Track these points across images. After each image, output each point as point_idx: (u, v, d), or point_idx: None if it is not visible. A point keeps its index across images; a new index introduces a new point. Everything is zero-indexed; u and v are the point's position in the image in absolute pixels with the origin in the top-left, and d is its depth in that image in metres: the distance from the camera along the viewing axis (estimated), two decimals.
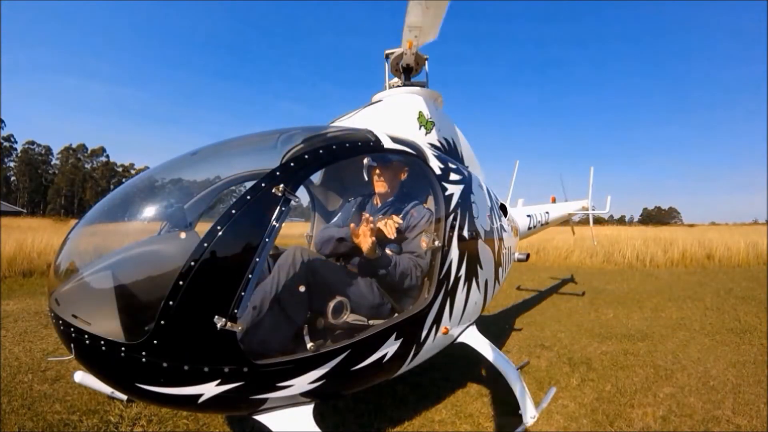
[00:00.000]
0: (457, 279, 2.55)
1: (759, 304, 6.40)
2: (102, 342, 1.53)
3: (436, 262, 2.33)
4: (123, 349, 1.50)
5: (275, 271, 1.97)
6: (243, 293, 1.57)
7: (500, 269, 3.47)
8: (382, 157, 2.50)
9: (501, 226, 3.55)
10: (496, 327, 5.22)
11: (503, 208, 3.99)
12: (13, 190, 66.72)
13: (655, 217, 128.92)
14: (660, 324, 5.40)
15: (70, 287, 1.77)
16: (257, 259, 1.59)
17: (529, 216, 5.60)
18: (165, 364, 1.50)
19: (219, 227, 1.62)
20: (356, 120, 2.88)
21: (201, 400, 1.60)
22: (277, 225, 1.63)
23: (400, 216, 2.40)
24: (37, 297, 6.57)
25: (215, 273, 1.51)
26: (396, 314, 2.22)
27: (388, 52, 3.24)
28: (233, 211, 1.63)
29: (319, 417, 1.91)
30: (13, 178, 67.82)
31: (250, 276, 1.59)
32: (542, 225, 6.10)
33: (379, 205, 2.61)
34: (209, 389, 1.58)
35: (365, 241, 2.06)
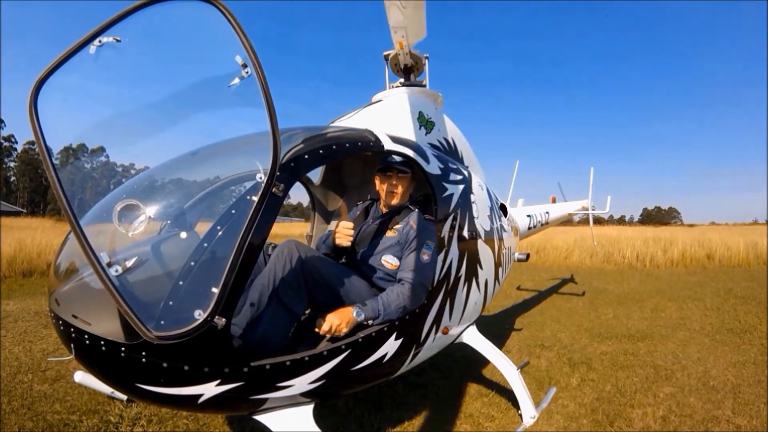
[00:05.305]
0: (457, 279, 2.55)
1: (759, 304, 6.40)
2: (102, 342, 1.53)
3: (437, 266, 2.32)
4: (123, 349, 1.50)
5: (271, 264, 1.97)
6: (243, 292, 1.57)
7: (500, 269, 3.47)
8: (398, 168, 2.40)
9: (501, 226, 3.55)
10: (496, 327, 5.22)
11: (503, 208, 3.99)
12: (13, 190, 66.68)
13: (655, 217, 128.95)
14: (660, 324, 5.41)
15: (70, 287, 1.77)
16: (257, 259, 1.59)
17: (529, 216, 5.60)
18: (165, 364, 1.51)
19: (219, 227, 1.62)
20: (356, 120, 2.88)
21: (201, 400, 1.60)
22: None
23: (399, 225, 2.37)
24: (37, 297, 6.57)
25: (215, 273, 1.50)
26: None
27: (386, 53, 3.24)
28: (233, 211, 1.63)
29: (319, 417, 1.91)
30: (13, 178, 67.78)
31: (250, 275, 1.59)
32: (542, 225, 6.11)
33: (384, 211, 2.53)
34: (209, 389, 1.58)
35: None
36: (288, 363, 1.72)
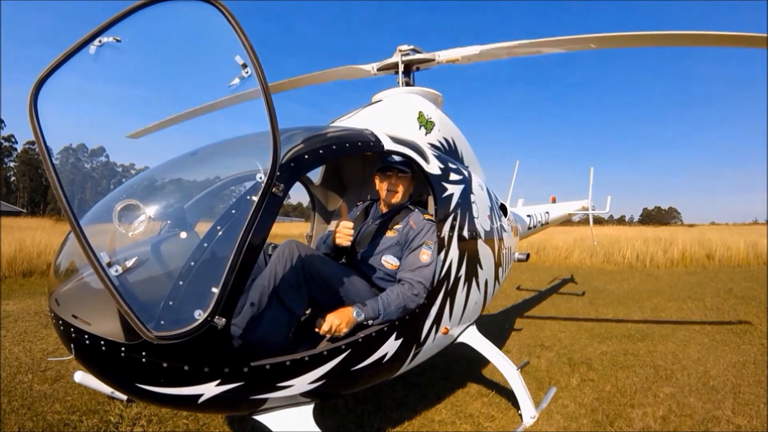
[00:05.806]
0: (457, 279, 2.55)
1: (759, 304, 6.40)
2: (102, 342, 1.53)
3: (437, 266, 2.31)
4: (123, 349, 1.50)
5: (271, 264, 1.98)
6: (244, 293, 1.57)
7: (500, 269, 3.47)
8: (398, 168, 2.40)
9: (501, 226, 3.55)
10: (496, 327, 5.22)
11: (503, 208, 3.99)
12: (13, 190, 66.62)
13: (655, 217, 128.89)
14: (660, 324, 5.40)
15: (70, 287, 1.77)
16: (257, 259, 1.59)
17: (529, 216, 5.61)
18: (165, 364, 1.51)
19: (219, 227, 1.62)
20: (356, 120, 2.88)
21: (201, 400, 1.60)
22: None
23: (399, 225, 2.37)
24: (37, 297, 6.56)
25: (215, 273, 1.51)
26: None
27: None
28: (233, 211, 1.64)
29: (319, 417, 1.91)
30: (13, 179, 67.71)
31: (250, 276, 1.59)
32: (542, 225, 6.11)
33: (384, 211, 2.53)
34: (209, 389, 1.59)
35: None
36: (288, 363, 1.72)
